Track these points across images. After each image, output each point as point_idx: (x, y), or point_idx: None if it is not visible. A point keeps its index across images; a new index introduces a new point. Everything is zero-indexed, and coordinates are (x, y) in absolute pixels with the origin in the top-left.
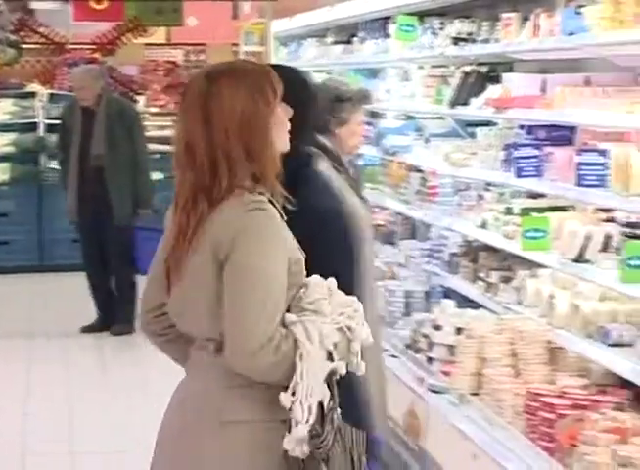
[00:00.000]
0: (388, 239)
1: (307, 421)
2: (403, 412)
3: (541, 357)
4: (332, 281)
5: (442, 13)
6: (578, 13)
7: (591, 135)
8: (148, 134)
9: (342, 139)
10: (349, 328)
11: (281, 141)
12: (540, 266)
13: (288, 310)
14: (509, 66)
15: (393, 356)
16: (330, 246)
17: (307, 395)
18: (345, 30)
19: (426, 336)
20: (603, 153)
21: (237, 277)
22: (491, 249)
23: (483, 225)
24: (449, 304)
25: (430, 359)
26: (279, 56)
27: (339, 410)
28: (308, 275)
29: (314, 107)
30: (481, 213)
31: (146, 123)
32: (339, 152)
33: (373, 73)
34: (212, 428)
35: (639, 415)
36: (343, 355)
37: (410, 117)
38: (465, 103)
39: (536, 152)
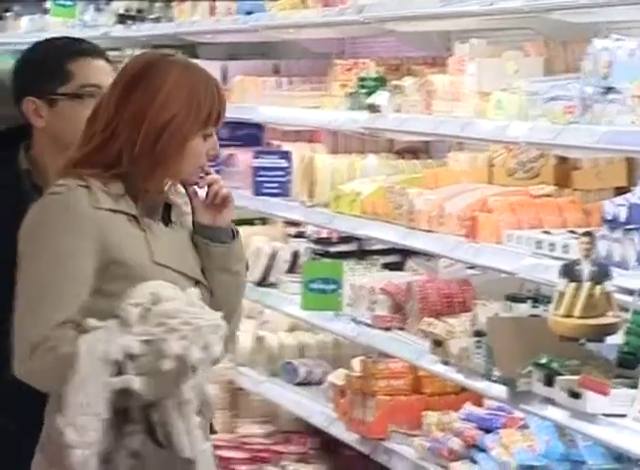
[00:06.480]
0: None
1: (83, 443)
2: None
3: (221, 401)
4: (164, 286)
5: None
6: None
7: (280, 134)
8: None
9: None
10: (163, 341)
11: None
12: None
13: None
14: (192, 49)
15: None
16: None
17: (76, 414)
18: None
19: None
20: (284, 155)
21: (17, 275)
22: None
23: None
24: None
25: None
26: None
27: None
28: None
29: None
30: None
31: None
32: None
33: None
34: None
35: (324, 466)
36: (146, 371)
37: None
38: None
39: None
